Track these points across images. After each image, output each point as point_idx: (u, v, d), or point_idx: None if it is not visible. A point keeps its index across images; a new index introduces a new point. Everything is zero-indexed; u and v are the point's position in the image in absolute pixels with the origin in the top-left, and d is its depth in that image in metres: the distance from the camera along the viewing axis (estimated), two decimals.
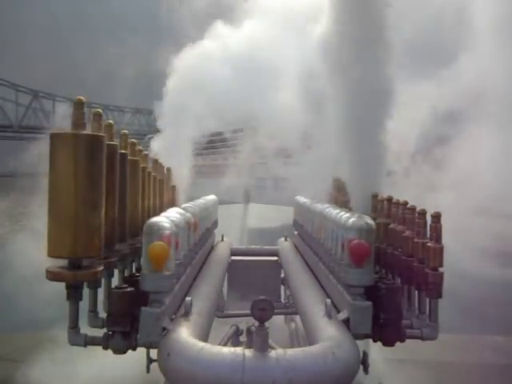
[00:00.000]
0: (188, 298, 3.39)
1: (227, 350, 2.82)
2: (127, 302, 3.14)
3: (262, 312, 2.74)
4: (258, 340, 2.72)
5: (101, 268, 3.18)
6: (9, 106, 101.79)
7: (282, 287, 6.20)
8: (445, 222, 3.50)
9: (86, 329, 3.36)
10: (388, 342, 3.38)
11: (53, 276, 3.05)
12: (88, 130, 3.18)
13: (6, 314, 10.27)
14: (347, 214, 3.74)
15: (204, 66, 7.26)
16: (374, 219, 3.84)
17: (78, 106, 3.14)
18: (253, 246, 7.14)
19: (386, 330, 3.32)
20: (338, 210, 4.10)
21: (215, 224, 6.43)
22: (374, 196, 4.55)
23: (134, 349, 3.24)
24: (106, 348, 3.23)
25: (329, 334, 3.10)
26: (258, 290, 5.54)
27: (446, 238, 3.51)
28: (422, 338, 3.58)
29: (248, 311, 2.80)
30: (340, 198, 5.22)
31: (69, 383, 6.58)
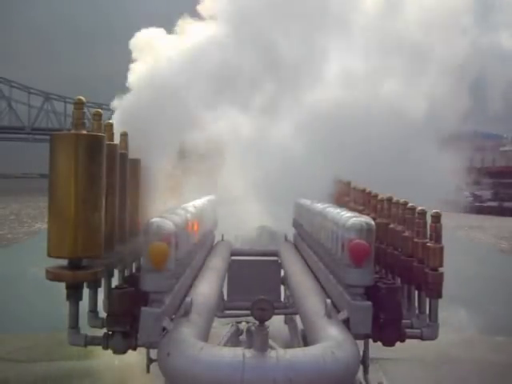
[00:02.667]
0: (188, 298, 3.39)
1: (227, 350, 2.82)
2: (127, 302, 3.14)
3: (262, 312, 2.73)
4: (258, 340, 2.72)
5: (101, 268, 3.18)
6: (21, 108, 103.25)
7: (282, 287, 6.20)
8: None
9: (86, 329, 3.37)
10: (388, 342, 3.38)
11: (53, 276, 3.05)
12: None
13: None
14: (347, 214, 3.74)
15: None
16: (374, 219, 3.85)
17: (78, 106, 3.14)
18: (253, 246, 7.14)
19: (386, 329, 3.31)
20: (338, 210, 4.10)
21: (215, 224, 6.43)
22: (374, 196, 4.55)
23: (134, 349, 3.24)
24: (106, 348, 3.24)
25: (329, 333, 3.10)
26: (258, 290, 5.53)
27: None
28: (422, 338, 3.59)
29: (248, 311, 2.80)
30: (342, 199, 5.24)
31: None
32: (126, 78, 5.32)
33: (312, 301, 3.93)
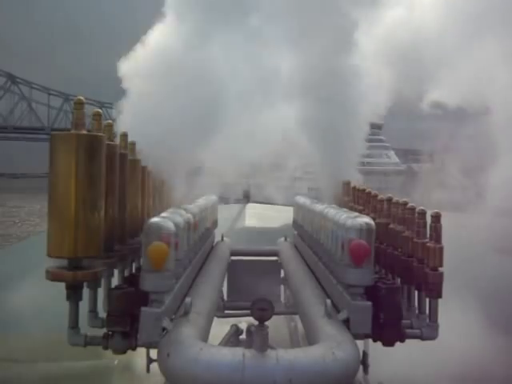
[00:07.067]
0: (188, 298, 3.39)
1: (227, 350, 2.82)
2: (127, 302, 3.14)
3: (262, 312, 2.73)
4: (258, 340, 2.72)
5: (101, 268, 3.18)
6: (41, 108, 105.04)
7: (282, 287, 6.20)
8: None
9: (86, 329, 3.36)
10: (388, 342, 3.38)
11: (53, 276, 3.05)
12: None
13: None
14: (347, 214, 3.74)
15: None
16: (374, 219, 3.85)
17: (78, 106, 3.14)
18: (253, 246, 7.13)
19: (386, 329, 3.32)
20: (337, 210, 4.10)
21: (215, 224, 6.43)
22: (374, 196, 4.55)
23: (134, 349, 3.24)
24: (106, 348, 3.23)
25: (329, 333, 3.10)
26: (258, 290, 5.53)
27: None
28: (422, 338, 3.59)
29: (248, 311, 2.80)
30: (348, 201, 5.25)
31: None
32: None
33: (312, 301, 3.93)
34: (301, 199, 6.28)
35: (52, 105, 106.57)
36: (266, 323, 2.76)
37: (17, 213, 44.71)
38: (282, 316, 6.65)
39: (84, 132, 3.09)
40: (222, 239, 6.63)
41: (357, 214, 3.94)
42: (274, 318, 2.78)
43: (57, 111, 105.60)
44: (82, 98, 3.17)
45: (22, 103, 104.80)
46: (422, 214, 3.69)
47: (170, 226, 3.23)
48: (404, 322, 3.46)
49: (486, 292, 7.66)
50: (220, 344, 4.82)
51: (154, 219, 3.30)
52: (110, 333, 3.21)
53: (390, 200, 4.20)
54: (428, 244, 3.55)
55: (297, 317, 5.08)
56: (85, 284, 3.24)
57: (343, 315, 3.36)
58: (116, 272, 3.68)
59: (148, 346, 3.35)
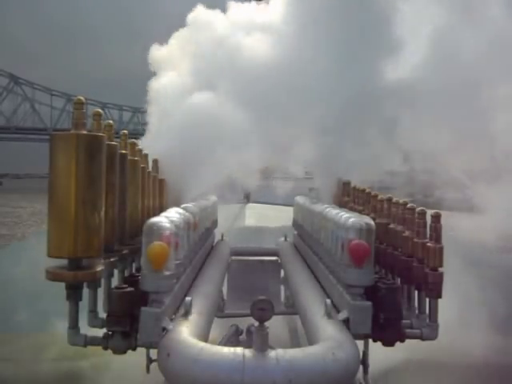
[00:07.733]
0: (188, 298, 3.39)
1: (227, 350, 2.82)
2: (127, 301, 3.14)
3: (262, 312, 2.73)
4: (258, 340, 2.72)
5: (101, 268, 3.18)
6: (44, 109, 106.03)
7: (282, 287, 6.20)
8: None
9: (85, 329, 3.37)
10: (388, 342, 3.38)
11: (53, 276, 3.05)
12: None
13: None
14: (347, 214, 3.74)
15: None
16: (374, 219, 3.85)
17: (78, 105, 3.14)
18: (252, 246, 7.14)
19: (386, 329, 3.32)
20: (338, 210, 4.10)
21: (215, 224, 6.43)
22: (374, 196, 4.55)
23: (134, 349, 3.24)
24: (105, 348, 3.24)
25: (329, 334, 3.10)
26: (257, 290, 5.53)
27: None
28: (422, 338, 3.59)
29: (248, 311, 2.80)
30: (347, 201, 5.27)
31: None
32: (145, 79, 5.42)
33: (312, 301, 3.93)
34: (301, 199, 6.28)
35: (54, 105, 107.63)
36: (266, 323, 2.76)
37: (19, 213, 44.78)
38: (282, 316, 6.65)
39: (84, 132, 3.09)
40: (222, 239, 6.64)
41: (357, 213, 3.95)
42: (274, 317, 2.78)
43: (59, 112, 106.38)
44: (81, 97, 3.17)
45: (25, 104, 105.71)
46: (422, 214, 3.69)
47: (170, 225, 3.24)
48: (404, 322, 3.46)
49: None
50: (220, 344, 4.82)
51: (154, 219, 3.30)
52: (110, 333, 3.21)
53: (389, 200, 4.20)
54: (428, 244, 3.55)
55: (297, 317, 5.08)
56: (85, 284, 3.25)
57: (343, 315, 3.36)
58: (116, 272, 3.69)
59: (148, 346, 3.35)
